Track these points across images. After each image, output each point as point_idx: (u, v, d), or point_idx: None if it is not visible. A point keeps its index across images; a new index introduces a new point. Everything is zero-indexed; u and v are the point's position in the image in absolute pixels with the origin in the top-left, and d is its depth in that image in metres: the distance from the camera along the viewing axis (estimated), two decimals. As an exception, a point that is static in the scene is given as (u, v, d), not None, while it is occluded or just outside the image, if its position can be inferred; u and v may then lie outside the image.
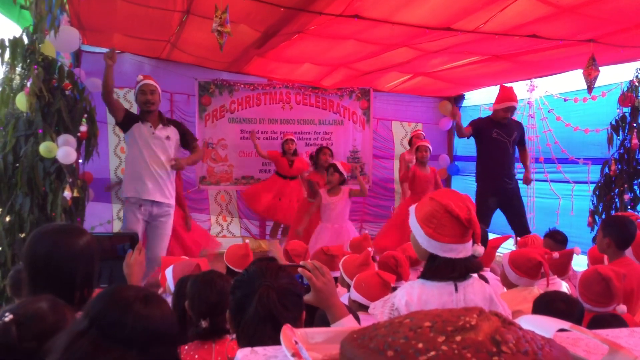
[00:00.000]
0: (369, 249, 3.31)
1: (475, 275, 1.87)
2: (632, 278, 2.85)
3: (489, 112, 7.40)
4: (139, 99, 4.70)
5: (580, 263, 4.32)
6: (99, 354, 1.06)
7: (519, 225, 5.54)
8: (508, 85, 5.87)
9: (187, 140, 4.88)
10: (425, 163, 6.26)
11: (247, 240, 3.51)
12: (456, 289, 1.78)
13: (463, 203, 1.76)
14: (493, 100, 7.38)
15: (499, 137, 5.52)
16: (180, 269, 2.96)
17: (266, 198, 6.65)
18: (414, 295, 1.77)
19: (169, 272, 2.96)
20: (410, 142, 7.14)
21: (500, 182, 5.56)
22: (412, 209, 1.86)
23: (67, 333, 1.11)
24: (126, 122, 4.69)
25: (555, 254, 3.12)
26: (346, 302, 2.55)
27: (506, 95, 5.57)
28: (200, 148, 4.77)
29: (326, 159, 6.34)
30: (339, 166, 5.56)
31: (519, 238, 4.23)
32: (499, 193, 5.57)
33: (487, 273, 3.41)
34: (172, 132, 4.74)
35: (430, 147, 6.43)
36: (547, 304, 2.27)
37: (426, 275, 1.81)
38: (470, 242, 1.80)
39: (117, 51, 6.34)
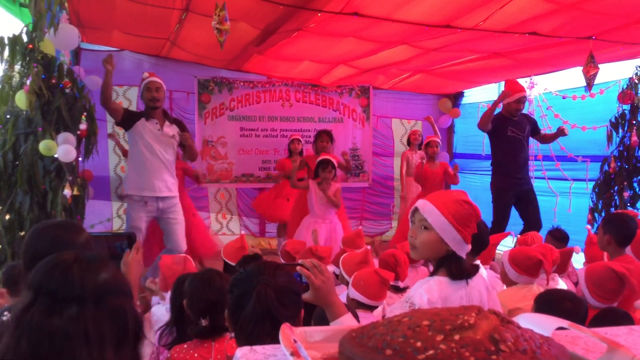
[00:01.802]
0: (368, 247, 3.31)
1: None
2: (633, 276, 2.85)
3: (486, 109, 7.46)
4: (144, 95, 4.73)
5: (578, 260, 4.32)
6: (54, 318, 1.03)
7: (533, 219, 5.49)
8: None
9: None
10: (435, 158, 6.37)
11: (238, 232, 3.52)
12: (467, 282, 1.83)
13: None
14: (492, 98, 7.42)
15: (514, 134, 5.48)
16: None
17: (278, 203, 6.59)
18: (434, 292, 1.79)
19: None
20: (408, 141, 7.14)
21: (517, 179, 5.56)
22: (426, 204, 1.82)
23: (13, 313, 1.08)
24: (127, 120, 4.71)
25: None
26: (344, 300, 2.55)
27: (514, 88, 5.53)
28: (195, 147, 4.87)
29: (324, 145, 6.24)
30: (335, 164, 5.45)
31: (520, 232, 4.19)
32: (516, 188, 5.55)
33: (487, 270, 3.41)
34: (176, 131, 4.78)
35: (440, 142, 6.56)
36: (553, 303, 2.24)
37: (455, 275, 1.81)
38: None
39: (116, 49, 6.39)
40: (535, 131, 5.74)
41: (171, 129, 4.74)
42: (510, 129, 5.48)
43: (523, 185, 5.60)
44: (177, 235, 4.76)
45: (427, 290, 1.79)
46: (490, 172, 5.93)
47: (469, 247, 1.82)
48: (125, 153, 5.86)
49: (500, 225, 5.43)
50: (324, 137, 6.32)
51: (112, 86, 4.64)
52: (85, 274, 1.09)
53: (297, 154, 6.63)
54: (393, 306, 1.97)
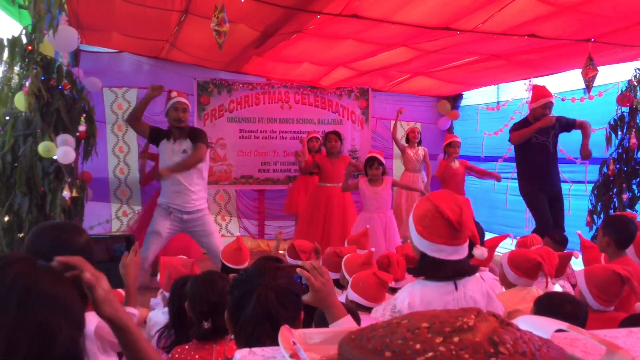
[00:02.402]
0: (372, 248, 3.29)
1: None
2: (632, 278, 2.85)
3: (485, 111, 7.47)
4: (170, 115, 4.59)
5: (576, 262, 4.32)
6: None
7: (557, 225, 5.37)
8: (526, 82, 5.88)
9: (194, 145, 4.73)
10: (455, 158, 6.65)
11: (237, 234, 3.49)
12: (456, 288, 1.79)
13: (457, 205, 1.76)
14: (491, 100, 7.44)
15: (538, 141, 5.40)
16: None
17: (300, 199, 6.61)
18: (415, 296, 1.77)
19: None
20: (407, 139, 7.15)
21: (544, 183, 5.46)
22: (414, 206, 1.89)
23: None
24: (154, 138, 4.70)
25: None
26: (343, 301, 2.54)
27: (541, 93, 5.47)
28: (199, 149, 4.58)
29: (332, 144, 6.22)
30: (382, 159, 5.52)
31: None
32: (546, 189, 5.44)
33: (485, 273, 3.41)
34: (187, 145, 4.64)
35: (460, 141, 6.76)
36: (553, 306, 2.23)
37: (413, 272, 1.85)
38: (466, 244, 1.80)
39: (115, 51, 6.39)
40: (569, 125, 5.49)
41: (182, 145, 4.62)
42: (534, 136, 5.36)
43: (553, 186, 5.49)
44: (212, 245, 4.72)
45: (409, 294, 1.80)
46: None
47: (442, 247, 1.75)
48: (152, 157, 5.76)
49: (545, 227, 5.14)
50: (331, 137, 6.28)
51: (144, 109, 4.60)
52: (21, 276, 0.98)
53: (315, 152, 6.58)
54: (377, 307, 1.98)
